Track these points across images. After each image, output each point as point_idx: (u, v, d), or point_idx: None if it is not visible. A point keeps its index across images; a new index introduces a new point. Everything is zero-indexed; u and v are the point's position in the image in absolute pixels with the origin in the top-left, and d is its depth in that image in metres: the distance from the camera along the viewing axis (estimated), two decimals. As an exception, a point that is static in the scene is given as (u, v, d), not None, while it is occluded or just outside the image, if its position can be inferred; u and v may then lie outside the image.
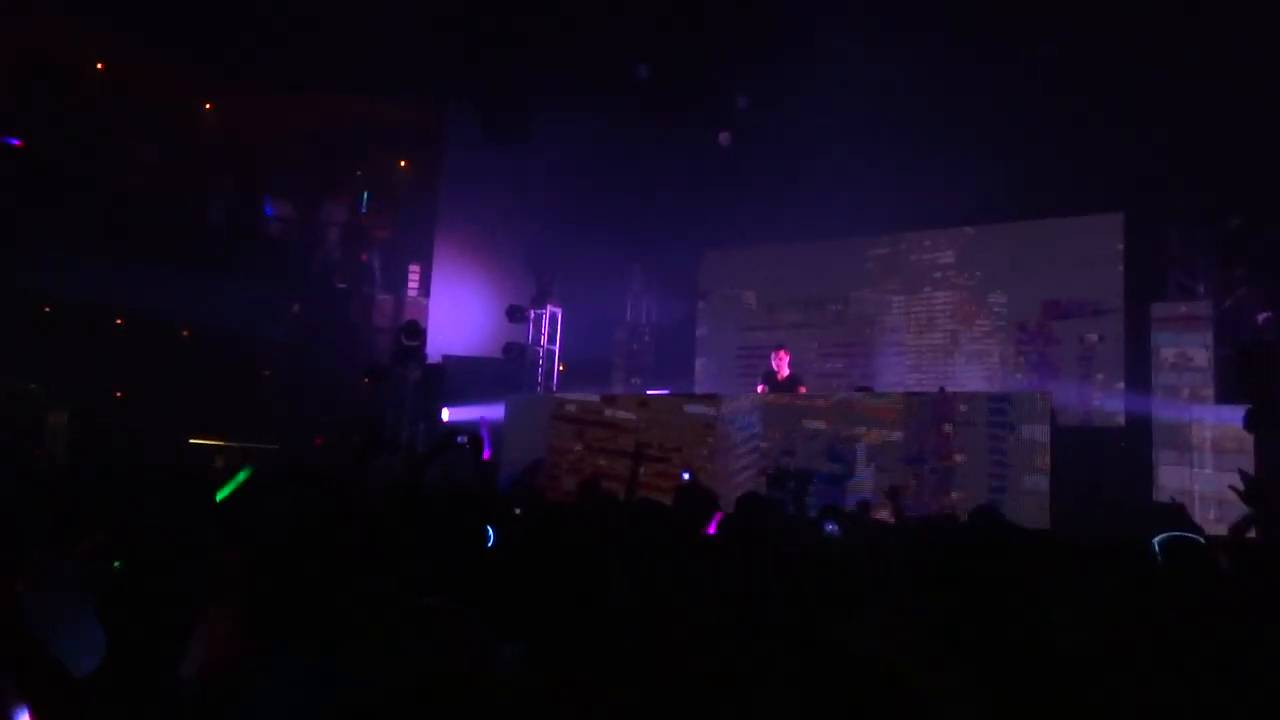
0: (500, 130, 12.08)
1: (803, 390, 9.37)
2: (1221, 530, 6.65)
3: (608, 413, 9.64)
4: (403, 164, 15.08)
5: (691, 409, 9.24)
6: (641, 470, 7.54)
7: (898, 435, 8.12)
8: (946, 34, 9.56)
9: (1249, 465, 7.50)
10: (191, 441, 12.58)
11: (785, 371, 9.52)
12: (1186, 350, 8.66)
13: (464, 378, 12.41)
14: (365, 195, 14.68)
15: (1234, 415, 7.91)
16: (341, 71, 12.32)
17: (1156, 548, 3.74)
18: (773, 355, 9.70)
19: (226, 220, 13.90)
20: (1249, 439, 7.78)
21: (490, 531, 3.20)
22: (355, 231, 15.13)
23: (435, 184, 14.38)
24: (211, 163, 13.92)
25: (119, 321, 12.98)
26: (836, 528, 4.41)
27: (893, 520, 6.02)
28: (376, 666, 1.67)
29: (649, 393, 10.78)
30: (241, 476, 4.27)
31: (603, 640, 2.20)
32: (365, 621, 1.78)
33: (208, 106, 13.76)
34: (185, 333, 13.47)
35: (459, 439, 5.26)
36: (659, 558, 3.04)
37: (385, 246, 14.95)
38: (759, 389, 9.40)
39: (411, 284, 14.54)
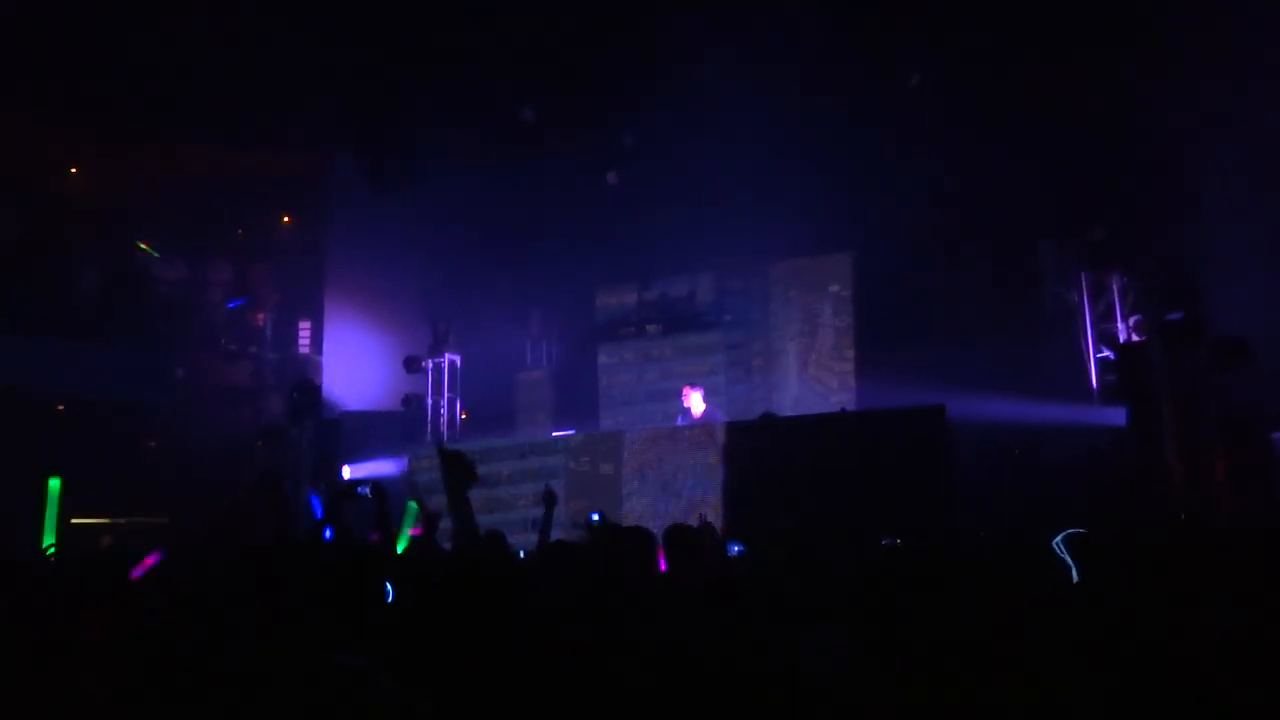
0: (386, 179, 11.92)
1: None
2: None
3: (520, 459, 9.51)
4: (286, 219, 14.71)
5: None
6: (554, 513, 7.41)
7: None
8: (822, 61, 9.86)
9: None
10: (73, 522, 11.86)
11: (700, 409, 9.52)
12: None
13: (363, 433, 12.10)
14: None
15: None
16: (217, 125, 11.98)
17: (1060, 546, 3.85)
18: (683, 393, 9.67)
19: (100, 285, 13.28)
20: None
21: (389, 587, 3.08)
22: (240, 289, 14.66)
23: (321, 237, 14.07)
24: (82, 226, 13.31)
25: (-13, 398, 12.22)
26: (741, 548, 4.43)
27: None
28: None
29: (555, 434, 10.68)
30: None
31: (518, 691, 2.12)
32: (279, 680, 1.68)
33: (74, 171, 13.18)
34: (60, 407, 12.75)
35: (360, 489, 5.07)
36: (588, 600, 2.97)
37: (273, 304, 14.53)
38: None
39: (303, 341, 14.16)
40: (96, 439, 12.30)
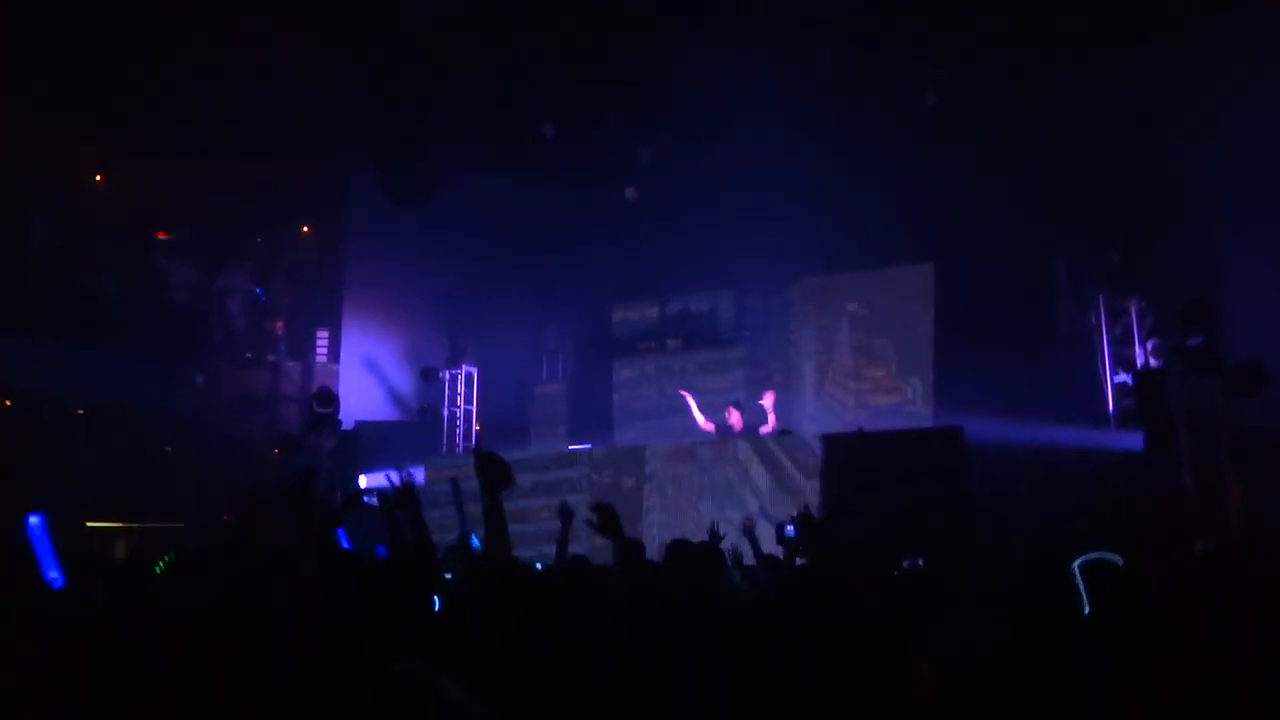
0: (404, 192, 12.01)
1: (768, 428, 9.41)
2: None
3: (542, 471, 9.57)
4: (305, 229, 14.83)
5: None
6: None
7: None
8: (843, 84, 9.94)
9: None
10: (89, 525, 11.94)
11: (740, 426, 9.56)
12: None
13: (380, 443, 12.15)
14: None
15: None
16: (238, 137, 12.11)
17: (1077, 571, 3.78)
18: (726, 411, 9.74)
19: (122, 293, 13.39)
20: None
21: (435, 598, 3.13)
22: (259, 298, 14.75)
23: (340, 247, 14.18)
24: (105, 236, 13.44)
25: (8, 403, 12.33)
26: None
27: None
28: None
29: (570, 448, 10.73)
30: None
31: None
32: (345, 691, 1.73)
33: (99, 179, 13.34)
34: (80, 411, 12.84)
35: (366, 499, 5.06)
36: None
37: (291, 312, 14.61)
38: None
39: (320, 350, 14.23)
40: (114, 445, 12.39)
